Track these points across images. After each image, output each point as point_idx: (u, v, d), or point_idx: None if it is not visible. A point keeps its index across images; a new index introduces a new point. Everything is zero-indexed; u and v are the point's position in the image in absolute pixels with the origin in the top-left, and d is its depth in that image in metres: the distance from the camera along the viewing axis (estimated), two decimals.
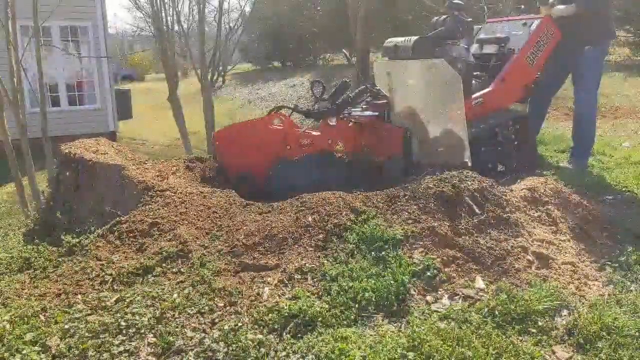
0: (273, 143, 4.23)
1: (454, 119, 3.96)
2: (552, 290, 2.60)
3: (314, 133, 4.35)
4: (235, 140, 4.26)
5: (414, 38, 4.27)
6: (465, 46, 4.51)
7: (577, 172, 4.69)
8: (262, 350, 2.20)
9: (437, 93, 4.06)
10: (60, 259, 3.04)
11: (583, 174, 4.65)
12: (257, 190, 3.97)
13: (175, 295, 2.52)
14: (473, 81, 4.51)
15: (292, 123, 4.42)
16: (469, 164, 3.87)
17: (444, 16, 4.47)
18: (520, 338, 2.34)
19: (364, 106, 4.51)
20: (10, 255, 3.17)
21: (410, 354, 2.15)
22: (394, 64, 4.46)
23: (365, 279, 2.60)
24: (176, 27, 9.65)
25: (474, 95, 4.38)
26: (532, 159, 4.71)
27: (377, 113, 4.39)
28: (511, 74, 4.53)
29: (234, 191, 3.64)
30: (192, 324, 2.36)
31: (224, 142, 4.32)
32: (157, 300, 2.49)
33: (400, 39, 4.41)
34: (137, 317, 2.35)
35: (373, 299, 2.51)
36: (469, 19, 4.47)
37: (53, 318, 2.39)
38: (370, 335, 2.32)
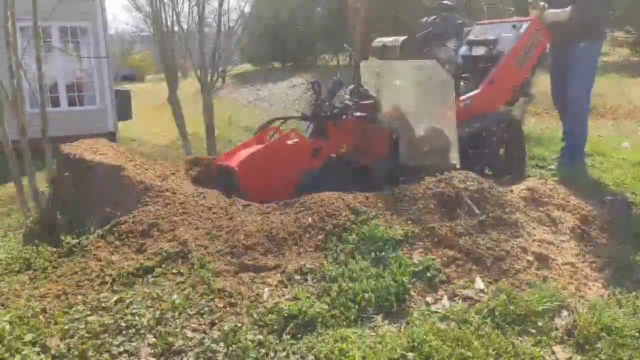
0: (297, 159, 3.97)
1: (443, 120, 3.91)
2: (552, 291, 2.60)
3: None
4: (260, 169, 3.86)
5: (402, 38, 4.22)
6: (454, 47, 4.47)
7: (575, 172, 4.66)
8: (262, 350, 2.20)
9: (427, 94, 4.00)
10: (60, 260, 3.03)
11: (580, 174, 4.62)
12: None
13: (175, 296, 2.52)
14: (461, 83, 4.47)
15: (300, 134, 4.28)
16: (457, 166, 3.85)
17: (433, 17, 4.45)
18: (519, 338, 2.34)
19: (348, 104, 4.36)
20: (10, 255, 3.17)
21: (410, 355, 2.15)
22: (382, 64, 4.37)
23: (365, 280, 2.61)
24: (176, 28, 9.61)
25: (461, 97, 4.32)
26: (521, 163, 4.67)
27: (364, 114, 4.25)
28: (500, 76, 4.46)
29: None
30: (192, 325, 2.36)
31: (248, 174, 3.81)
32: (157, 300, 2.49)
33: (388, 39, 4.36)
34: (137, 318, 2.35)
35: (373, 300, 2.51)
36: (460, 20, 4.45)
37: (53, 319, 2.39)
38: (370, 335, 2.32)
